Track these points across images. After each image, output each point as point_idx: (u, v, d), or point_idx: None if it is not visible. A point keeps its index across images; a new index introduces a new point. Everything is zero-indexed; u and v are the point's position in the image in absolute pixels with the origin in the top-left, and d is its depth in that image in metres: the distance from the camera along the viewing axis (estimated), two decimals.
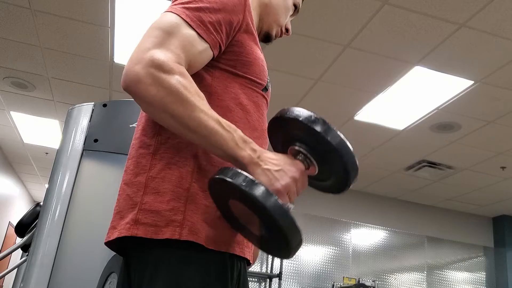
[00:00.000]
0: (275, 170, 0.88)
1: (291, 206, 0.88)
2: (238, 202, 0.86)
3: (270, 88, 1.12)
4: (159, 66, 0.85)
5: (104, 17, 3.44)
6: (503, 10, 2.91)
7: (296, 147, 0.92)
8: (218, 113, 0.96)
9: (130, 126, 2.02)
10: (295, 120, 0.87)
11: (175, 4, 0.96)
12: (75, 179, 1.93)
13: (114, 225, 0.96)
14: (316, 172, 0.93)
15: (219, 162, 0.96)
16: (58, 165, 1.99)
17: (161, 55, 0.87)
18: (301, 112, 0.88)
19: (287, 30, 1.29)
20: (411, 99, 4.05)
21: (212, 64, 0.99)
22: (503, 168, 5.11)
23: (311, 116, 0.87)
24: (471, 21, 3.03)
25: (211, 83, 0.99)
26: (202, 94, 0.89)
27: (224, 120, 0.89)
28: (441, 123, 4.34)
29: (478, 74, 3.58)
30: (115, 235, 0.95)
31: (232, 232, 0.95)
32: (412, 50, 3.40)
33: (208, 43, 0.94)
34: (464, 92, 3.83)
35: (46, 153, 6.61)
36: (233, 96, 1.00)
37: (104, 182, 1.96)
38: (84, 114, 2.06)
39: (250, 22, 1.04)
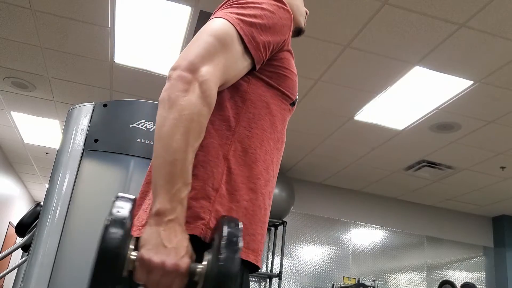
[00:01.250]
0: (164, 245, 0.77)
1: None
2: None
3: (296, 104, 1.15)
4: (202, 84, 0.88)
5: (104, 17, 3.44)
6: (503, 10, 2.91)
7: (206, 256, 0.80)
8: (249, 118, 1.00)
9: (131, 126, 2.03)
10: (221, 227, 0.79)
11: (230, 12, 0.98)
12: (75, 179, 1.94)
13: (142, 219, 0.96)
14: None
15: (247, 166, 0.97)
16: (58, 165, 2.00)
17: (209, 73, 0.89)
18: (231, 227, 0.78)
19: (306, 12, 1.34)
20: (411, 99, 4.05)
21: (250, 72, 1.01)
22: (503, 168, 5.11)
23: (234, 235, 0.77)
24: (471, 21, 3.04)
25: (247, 89, 1.02)
26: (203, 135, 0.88)
27: (190, 172, 0.85)
28: (441, 123, 4.34)
29: (478, 74, 3.58)
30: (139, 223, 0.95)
31: (250, 239, 0.95)
32: (412, 50, 3.40)
33: (253, 59, 0.98)
34: (464, 92, 3.83)
35: (47, 153, 6.62)
36: (265, 105, 1.03)
37: (104, 182, 1.96)
38: (84, 114, 2.06)
39: (290, 40, 1.09)
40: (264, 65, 1.03)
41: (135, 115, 2.05)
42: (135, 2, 3.28)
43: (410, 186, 6.02)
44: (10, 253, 2.74)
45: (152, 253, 0.77)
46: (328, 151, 5.25)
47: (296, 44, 3.50)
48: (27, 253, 2.55)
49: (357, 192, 6.38)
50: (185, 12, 3.30)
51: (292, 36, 1.26)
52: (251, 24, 0.97)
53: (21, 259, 3.36)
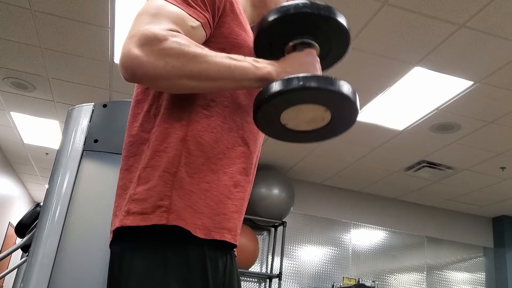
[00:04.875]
0: (299, 67, 0.94)
1: None
2: (295, 107, 0.90)
3: None
4: (153, 39, 0.83)
5: (104, 17, 3.44)
6: (503, 10, 2.91)
7: (291, 43, 0.98)
8: (206, 97, 0.97)
9: None
10: (285, 16, 0.93)
11: None
12: (75, 179, 1.93)
13: (114, 223, 0.95)
14: (319, 51, 1.01)
15: (207, 146, 0.94)
16: (58, 165, 1.99)
17: (152, 28, 0.85)
18: (288, 5, 0.92)
19: None
20: (411, 99, 4.05)
21: None
22: (503, 168, 5.11)
23: (298, 4, 0.92)
24: (471, 21, 3.04)
25: None
26: (200, 44, 0.90)
27: (231, 54, 0.91)
28: (441, 123, 4.34)
29: (478, 74, 3.58)
30: (111, 229, 0.94)
31: (221, 219, 0.93)
32: (412, 50, 3.40)
33: (200, 22, 0.94)
34: (464, 93, 3.83)
35: (46, 154, 6.61)
36: None
37: (104, 183, 1.96)
38: (84, 115, 2.06)
39: (235, 2, 1.03)
40: (213, 36, 0.99)
41: None
42: (135, 2, 3.28)
43: (410, 187, 6.02)
44: (10, 253, 2.73)
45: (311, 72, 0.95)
46: (328, 151, 5.24)
47: None
48: (27, 253, 2.54)
49: (357, 192, 6.37)
50: None
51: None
52: None
53: (20, 259, 3.36)
